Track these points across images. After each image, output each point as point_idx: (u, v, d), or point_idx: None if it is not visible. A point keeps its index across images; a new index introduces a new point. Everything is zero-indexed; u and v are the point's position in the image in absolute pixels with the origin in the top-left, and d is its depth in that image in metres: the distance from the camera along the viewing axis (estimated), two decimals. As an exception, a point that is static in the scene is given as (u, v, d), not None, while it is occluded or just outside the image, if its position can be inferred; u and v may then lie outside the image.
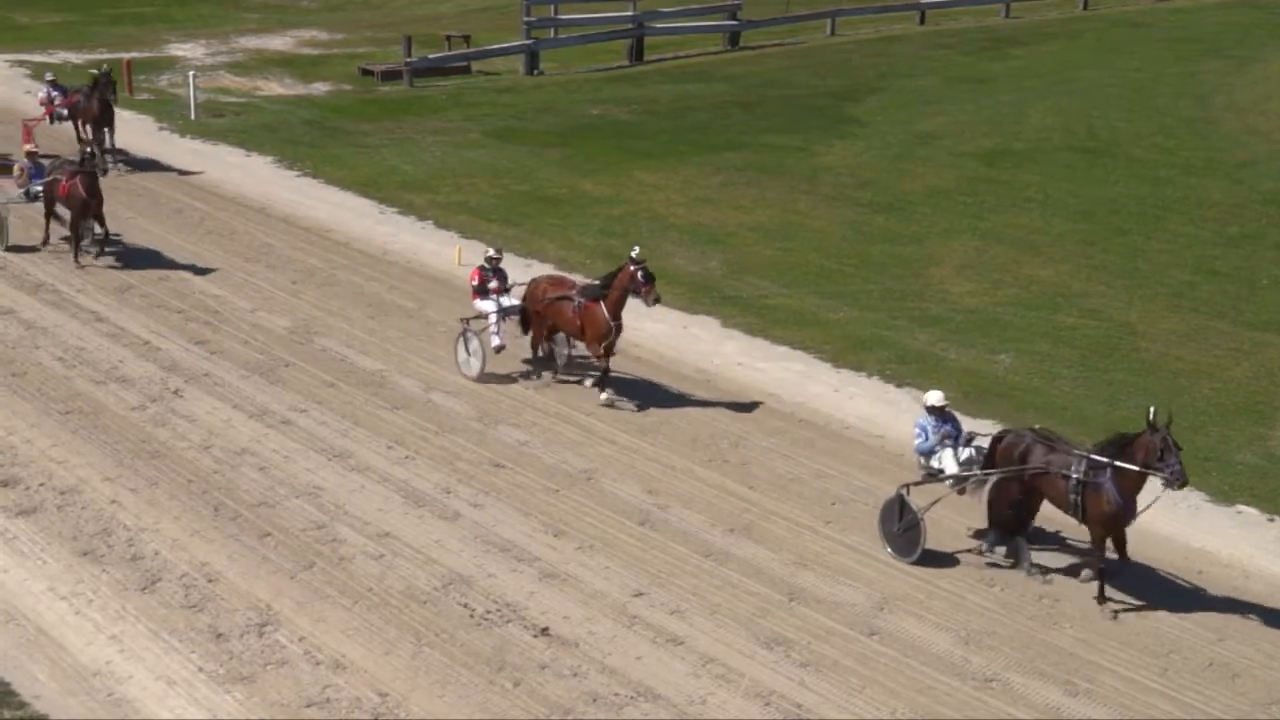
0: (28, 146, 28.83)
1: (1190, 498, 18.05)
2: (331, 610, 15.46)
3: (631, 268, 19.81)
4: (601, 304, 20.04)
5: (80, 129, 31.67)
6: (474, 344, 20.90)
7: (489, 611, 15.50)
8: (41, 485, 17.96)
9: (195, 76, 36.32)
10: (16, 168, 27.16)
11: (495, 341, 21.00)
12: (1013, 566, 16.49)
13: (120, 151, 31.38)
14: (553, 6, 43.77)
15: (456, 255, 26.00)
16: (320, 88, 39.67)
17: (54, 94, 31.91)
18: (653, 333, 23.03)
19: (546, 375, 21.23)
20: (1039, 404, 20.53)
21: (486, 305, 21.16)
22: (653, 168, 32.16)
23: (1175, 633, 15.39)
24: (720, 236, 27.67)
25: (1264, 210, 29.80)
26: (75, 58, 42.42)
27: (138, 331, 22.70)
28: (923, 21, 50.47)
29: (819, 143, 34.57)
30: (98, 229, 25.47)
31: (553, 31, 43.46)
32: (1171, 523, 17.48)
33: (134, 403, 20.27)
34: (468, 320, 21.17)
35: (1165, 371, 21.69)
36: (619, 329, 20.14)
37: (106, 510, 17.37)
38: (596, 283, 20.57)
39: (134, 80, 37.79)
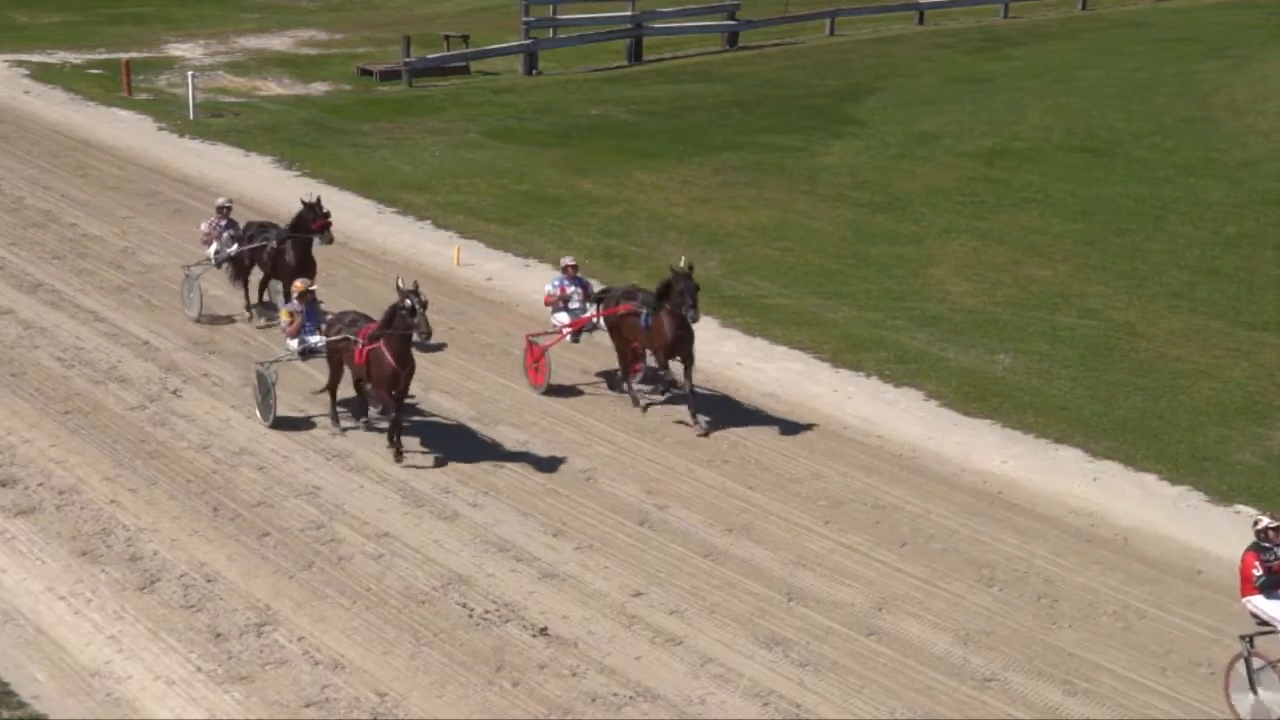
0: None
1: (1189, 497, 18.07)
2: (330, 610, 15.47)
3: None
4: None
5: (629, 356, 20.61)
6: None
7: (488, 611, 15.50)
8: (40, 485, 17.96)
9: (194, 76, 36.30)
10: (285, 312, 20.28)
11: None
12: None
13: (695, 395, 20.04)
14: (551, 7, 43.74)
15: (455, 255, 26.00)
16: (319, 88, 39.66)
17: (572, 289, 21.07)
18: (651, 332, 23.02)
19: None
20: (1037, 404, 20.53)
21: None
22: (652, 167, 32.15)
23: (1174, 632, 15.38)
24: (719, 236, 27.66)
25: (1263, 210, 29.77)
26: (74, 57, 42.44)
27: (136, 331, 22.69)
28: (921, 21, 50.42)
29: (818, 143, 34.56)
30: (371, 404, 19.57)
31: (551, 31, 43.43)
32: (1170, 522, 17.50)
33: (133, 402, 20.27)
34: (1250, 639, 14.07)
35: (1164, 371, 21.68)
36: None
37: (105, 510, 17.37)
38: None
39: (132, 80, 37.80)
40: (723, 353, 22.37)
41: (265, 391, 19.54)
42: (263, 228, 23.09)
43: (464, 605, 15.59)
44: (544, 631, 15.15)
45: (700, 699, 14.19)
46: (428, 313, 18.10)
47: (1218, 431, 19.73)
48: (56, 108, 36.56)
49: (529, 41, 41.97)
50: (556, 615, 15.45)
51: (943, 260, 26.57)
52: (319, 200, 22.43)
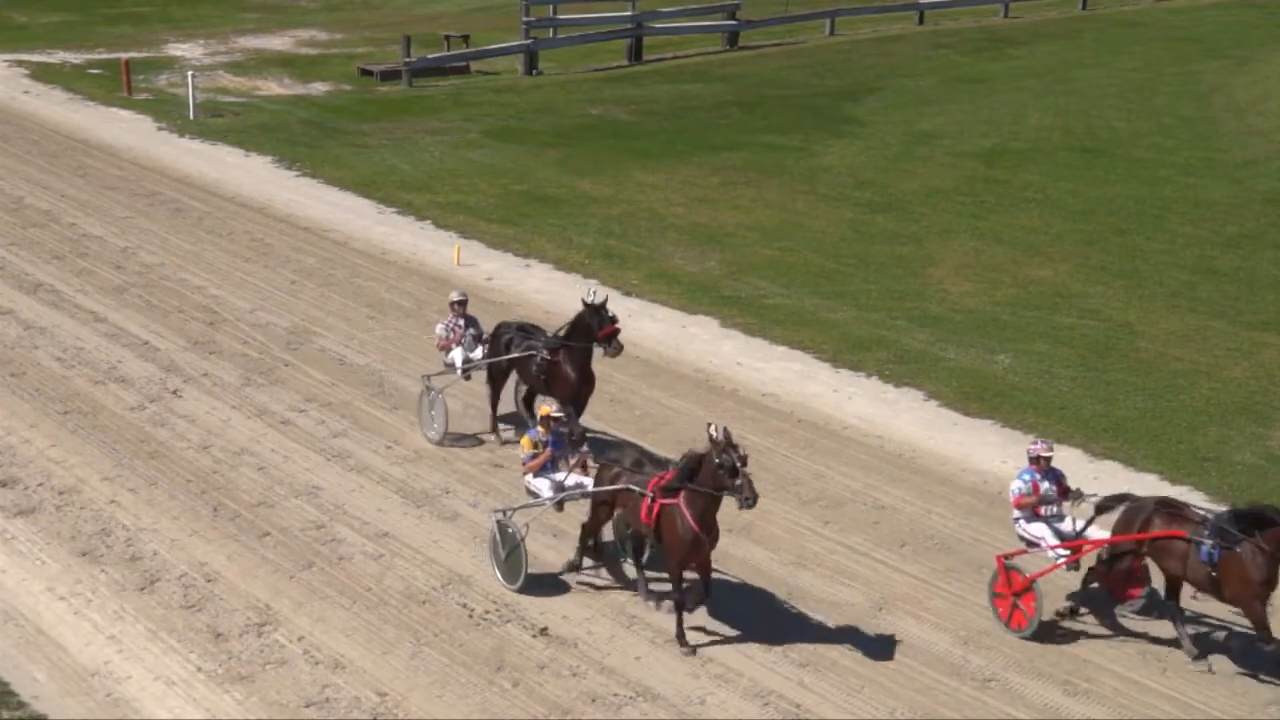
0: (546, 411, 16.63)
1: (1189, 498, 18.03)
2: (330, 610, 15.46)
3: None
4: None
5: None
6: None
7: (488, 611, 15.49)
8: (40, 485, 17.95)
9: (194, 76, 36.31)
10: (527, 441, 16.36)
11: None
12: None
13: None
14: (551, 6, 43.78)
15: (455, 255, 26.01)
16: (319, 88, 39.67)
17: (1046, 484, 15.31)
18: (651, 332, 23.03)
19: None
20: (1037, 404, 20.53)
21: None
22: (651, 168, 32.16)
23: (1174, 632, 15.36)
24: (719, 236, 27.67)
25: (1263, 210, 29.81)
26: (74, 57, 42.45)
27: (136, 331, 22.69)
28: (921, 21, 50.48)
29: (818, 143, 34.58)
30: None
31: (552, 31, 43.46)
32: (1170, 522, 17.48)
33: (133, 402, 20.26)
34: None
35: (1164, 371, 21.69)
36: None
37: (105, 510, 17.36)
38: None
39: (132, 80, 37.81)
40: (722, 353, 22.38)
41: (511, 547, 15.72)
42: (525, 331, 18.94)
43: (464, 605, 15.58)
44: (544, 631, 15.14)
45: (700, 699, 14.19)
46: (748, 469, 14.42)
47: (1218, 431, 19.74)
48: (56, 108, 36.58)
49: (529, 41, 41.99)
50: (556, 615, 15.44)
51: (943, 260, 26.57)
52: (605, 301, 18.24)
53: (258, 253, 26.42)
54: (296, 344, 22.29)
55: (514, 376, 19.29)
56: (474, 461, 18.72)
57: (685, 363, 22.05)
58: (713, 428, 14.56)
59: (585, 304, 18.15)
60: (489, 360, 19.16)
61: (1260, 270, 26.15)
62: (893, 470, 18.75)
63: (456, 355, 19.50)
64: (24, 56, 42.31)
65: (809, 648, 14.97)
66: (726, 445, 14.31)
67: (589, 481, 15.99)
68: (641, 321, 23.51)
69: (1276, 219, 29.20)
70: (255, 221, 28.16)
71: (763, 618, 15.46)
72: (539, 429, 16.36)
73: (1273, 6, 54.16)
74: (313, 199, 29.61)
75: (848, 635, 15.22)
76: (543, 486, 16.21)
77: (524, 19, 42.08)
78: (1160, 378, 21.46)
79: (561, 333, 18.49)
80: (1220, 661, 14.90)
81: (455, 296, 19.88)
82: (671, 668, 14.62)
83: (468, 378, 19.56)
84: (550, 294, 24.59)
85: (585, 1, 45.21)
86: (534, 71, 41.86)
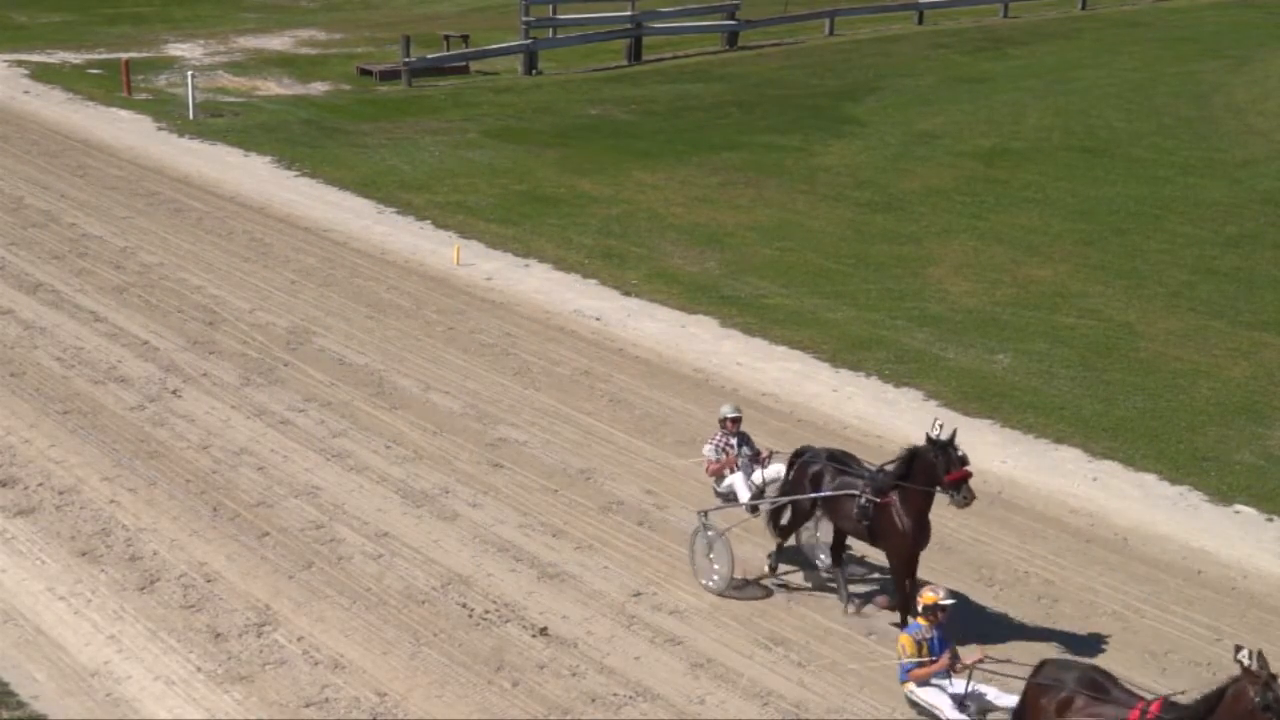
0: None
1: (1189, 497, 18.07)
2: (330, 610, 15.46)
3: None
4: None
5: None
6: None
7: (487, 611, 15.50)
8: (40, 485, 17.95)
9: (194, 76, 36.32)
10: (908, 640, 13.20)
11: None
12: None
13: None
14: (551, 6, 43.79)
15: (455, 255, 26.01)
16: (319, 88, 39.66)
17: None
18: (651, 332, 23.03)
19: None
20: (1037, 404, 20.53)
21: None
22: (651, 167, 32.16)
23: (1175, 633, 15.38)
24: (719, 236, 27.67)
25: (1263, 210, 29.80)
26: (74, 57, 42.45)
27: (136, 331, 22.69)
28: (921, 21, 50.48)
29: (817, 142, 34.58)
30: None
31: (551, 31, 43.47)
32: (1170, 522, 17.50)
33: (132, 402, 20.27)
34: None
35: (1164, 371, 21.69)
36: None
37: (105, 510, 17.37)
38: None
39: (132, 80, 37.81)
40: (722, 352, 22.38)
41: None
42: (838, 462, 15.51)
43: (464, 605, 15.58)
44: (544, 631, 15.14)
45: (700, 699, 14.19)
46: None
47: (1218, 431, 19.74)
48: (56, 108, 36.58)
49: (529, 41, 41.99)
50: (556, 615, 15.45)
51: (943, 260, 26.57)
52: (954, 438, 14.72)
53: (257, 253, 26.42)
54: (296, 344, 22.29)
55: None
56: (473, 462, 18.72)
57: (685, 362, 22.05)
58: (1243, 652, 10.91)
59: (929, 439, 14.69)
60: (793, 499, 15.63)
61: (1260, 270, 26.15)
62: (892, 470, 18.73)
63: (737, 483, 16.04)
64: (24, 56, 42.32)
65: (809, 648, 14.98)
66: (1269, 679, 10.70)
67: (996, 693, 12.88)
68: (641, 321, 23.52)
69: (1276, 219, 29.21)
70: (255, 221, 28.16)
71: (762, 618, 15.46)
72: (921, 623, 13.01)
73: (1273, 6, 54.16)
74: (312, 199, 29.61)
75: (848, 635, 15.21)
76: (943, 703, 12.85)
77: (523, 19, 42.09)
78: (1160, 378, 21.46)
79: (891, 468, 15.05)
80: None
81: (728, 412, 16.25)
82: (671, 668, 14.62)
83: (755, 512, 16.10)
84: (549, 294, 24.60)
85: (585, 1, 45.21)
86: (534, 71, 41.87)
